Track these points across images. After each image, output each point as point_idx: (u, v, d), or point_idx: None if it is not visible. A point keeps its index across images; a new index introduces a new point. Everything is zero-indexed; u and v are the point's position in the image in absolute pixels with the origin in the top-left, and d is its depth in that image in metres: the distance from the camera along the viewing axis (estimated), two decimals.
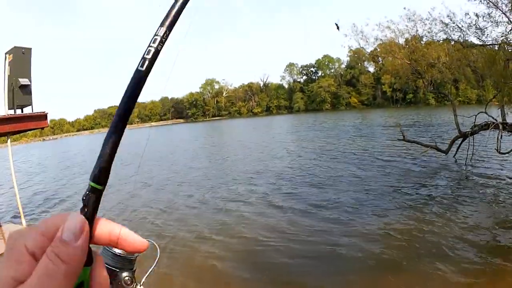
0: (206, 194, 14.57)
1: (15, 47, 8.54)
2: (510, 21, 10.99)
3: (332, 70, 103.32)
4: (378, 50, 22.54)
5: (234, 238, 9.31)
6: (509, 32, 11.31)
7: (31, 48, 8.61)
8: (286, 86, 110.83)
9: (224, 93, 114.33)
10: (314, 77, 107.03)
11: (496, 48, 12.50)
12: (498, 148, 12.84)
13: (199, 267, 7.80)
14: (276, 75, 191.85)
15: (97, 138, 74.62)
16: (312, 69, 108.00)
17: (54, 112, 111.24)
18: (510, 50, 11.53)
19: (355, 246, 8.19)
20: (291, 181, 15.72)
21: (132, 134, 68.72)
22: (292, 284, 6.90)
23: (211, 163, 23.60)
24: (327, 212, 10.82)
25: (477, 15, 13.00)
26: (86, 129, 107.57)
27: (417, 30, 18.08)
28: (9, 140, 8.11)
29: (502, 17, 11.55)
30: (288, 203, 12.19)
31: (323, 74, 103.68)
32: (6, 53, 8.52)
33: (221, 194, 14.23)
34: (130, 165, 23.08)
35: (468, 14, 13.61)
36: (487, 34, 12.80)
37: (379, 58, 27.95)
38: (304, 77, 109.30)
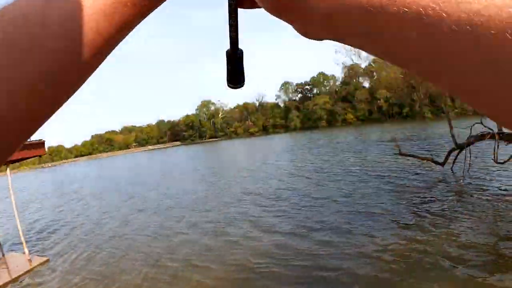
0: (197, 218, 14.61)
1: None
2: None
3: (327, 87, 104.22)
4: (373, 65, 22.87)
5: (225, 265, 9.16)
6: None
7: None
8: (282, 105, 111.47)
9: (220, 114, 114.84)
10: (309, 94, 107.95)
11: None
12: (495, 158, 12.89)
13: None
14: (272, 94, 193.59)
15: (96, 164, 74.52)
16: (307, 86, 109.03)
17: (51, 139, 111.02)
18: None
19: (346, 269, 8.09)
20: (283, 203, 15.64)
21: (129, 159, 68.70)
22: None
23: (204, 186, 23.60)
24: (318, 234, 10.66)
25: None
26: (84, 155, 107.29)
27: None
28: (8, 169, 8.10)
29: None
30: (280, 225, 12.08)
31: (318, 92, 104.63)
32: None
33: (213, 218, 14.29)
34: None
35: None
36: None
37: (374, 73, 28.27)
38: (300, 95, 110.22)
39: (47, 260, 11.44)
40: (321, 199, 15.20)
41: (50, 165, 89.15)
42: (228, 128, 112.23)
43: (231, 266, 8.94)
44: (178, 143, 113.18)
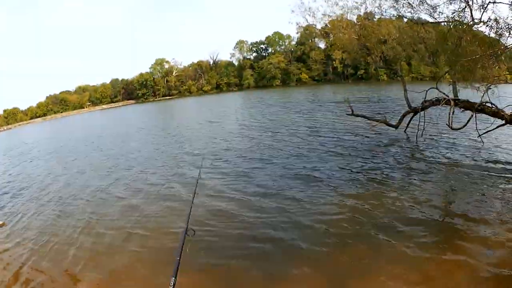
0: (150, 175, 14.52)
1: None
2: None
3: (283, 47, 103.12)
4: (329, 26, 22.57)
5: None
6: (463, 10, 11.45)
7: None
8: (236, 64, 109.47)
9: (174, 73, 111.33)
10: (264, 54, 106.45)
11: (449, 25, 12.67)
12: (450, 123, 13.19)
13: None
14: (226, 53, 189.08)
15: (49, 125, 71.36)
16: (262, 46, 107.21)
17: (6, 101, 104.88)
18: (462, 28, 11.69)
19: (299, 226, 8.20)
20: (233, 160, 15.66)
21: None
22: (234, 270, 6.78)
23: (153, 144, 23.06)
24: (253, 198, 10.53)
25: None
26: (39, 116, 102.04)
27: (366, 7, 18.14)
28: None
29: None
30: (219, 188, 11.88)
31: (273, 51, 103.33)
32: None
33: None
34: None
35: None
36: (439, 12, 12.99)
37: (330, 35, 28.07)
38: (254, 54, 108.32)
39: (3, 224, 11.02)
40: (259, 160, 15.12)
41: (5, 128, 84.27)
42: (182, 87, 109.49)
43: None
44: (132, 101, 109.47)
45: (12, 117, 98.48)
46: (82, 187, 14.63)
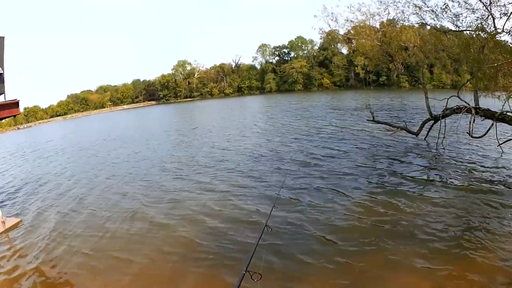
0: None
1: None
2: (486, 8, 11.17)
3: (305, 52, 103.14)
4: (352, 32, 22.67)
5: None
6: (485, 19, 11.50)
7: (4, 37, 8.12)
8: (258, 67, 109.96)
9: (195, 74, 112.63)
10: (286, 58, 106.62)
11: (472, 34, 12.70)
12: (470, 132, 13.15)
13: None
14: (248, 56, 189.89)
15: (69, 124, 72.84)
16: (284, 50, 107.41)
17: (27, 100, 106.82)
18: (484, 37, 11.72)
19: (319, 229, 8.35)
20: (256, 162, 15.86)
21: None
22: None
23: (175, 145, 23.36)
24: (288, 194, 10.87)
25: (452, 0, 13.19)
26: (59, 115, 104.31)
27: (388, 13, 18.22)
28: None
29: (478, 4, 11.75)
30: (253, 184, 12.42)
31: (295, 55, 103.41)
32: None
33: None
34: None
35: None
36: (462, 20, 13.04)
37: (352, 40, 28.16)
38: (277, 58, 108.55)
39: (20, 222, 11.24)
40: (296, 161, 15.28)
41: (25, 126, 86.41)
42: (204, 89, 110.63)
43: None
44: (153, 102, 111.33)
45: (32, 115, 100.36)
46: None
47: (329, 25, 22.02)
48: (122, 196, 12.79)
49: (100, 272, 7.46)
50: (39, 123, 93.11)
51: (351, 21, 20.35)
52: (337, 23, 21.43)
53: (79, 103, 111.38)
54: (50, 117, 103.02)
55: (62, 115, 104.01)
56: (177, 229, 9.22)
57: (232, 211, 10.16)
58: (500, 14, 10.82)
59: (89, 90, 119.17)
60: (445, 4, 13.54)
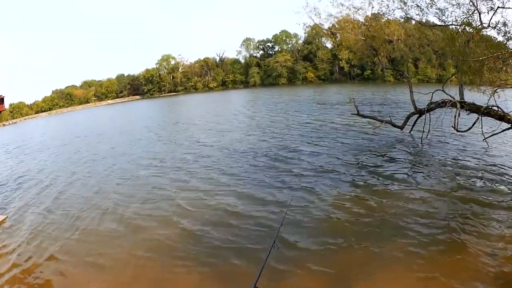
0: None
1: None
2: (473, 3, 11.12)
3: (290, 46, 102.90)
4: (336, 26, 22.57)
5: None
6: (471, 14, 11.45)
7: None
8: (243, 61, 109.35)
9: (180, 69, 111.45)
10: (271, 52, 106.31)
11: (457, 28, 12.67)
12: (456, 126, 13.12)
13: None
14: (233, 50, 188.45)
15: (54, 119, 71.66)
16: (269, 44, 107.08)
17: (12, 96, 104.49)
18: (470, 31, 11.69)
19: (301, 224, 8.30)
20: (236, 157, 15.80)
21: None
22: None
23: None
24: (267, 191, 10.85)
25: None
26: (45, 111, 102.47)
27: (372, 7, 18.17)
28: None
29: None
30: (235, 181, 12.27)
31: (280, 49, 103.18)
32: None
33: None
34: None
35: None
36: (448, 15, 12.98)
37: (337, 34, 28.10)
38: (261, 52, 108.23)
39: (5, 218, 11.02)
40: (279, 154, 15.13)
41: (10, 122, 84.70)
42: (188, 83, 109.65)
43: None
44: (137, 97, 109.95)
45: (18, 111, 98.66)
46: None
47: (313, 20, 21.89)
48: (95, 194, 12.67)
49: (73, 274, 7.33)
50: (24, 119, 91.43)
51: (334, 16, 20.25)
52: (320, 17, 21.34)
53: (64, 99, 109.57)
54: (36, 113, 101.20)
55: (47, 111, 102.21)
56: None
57: (204, 211, 10.02)
58: (487, 9, 10.76)
59: (74, 85, 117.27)
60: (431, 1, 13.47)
